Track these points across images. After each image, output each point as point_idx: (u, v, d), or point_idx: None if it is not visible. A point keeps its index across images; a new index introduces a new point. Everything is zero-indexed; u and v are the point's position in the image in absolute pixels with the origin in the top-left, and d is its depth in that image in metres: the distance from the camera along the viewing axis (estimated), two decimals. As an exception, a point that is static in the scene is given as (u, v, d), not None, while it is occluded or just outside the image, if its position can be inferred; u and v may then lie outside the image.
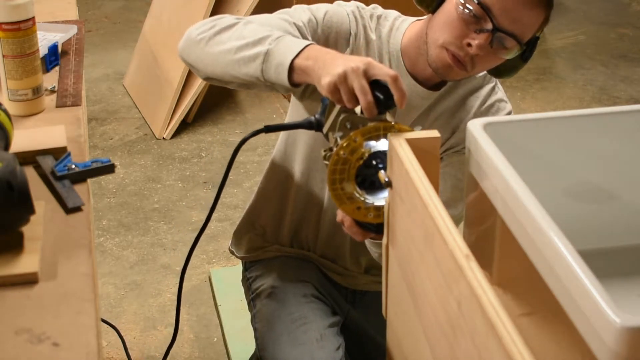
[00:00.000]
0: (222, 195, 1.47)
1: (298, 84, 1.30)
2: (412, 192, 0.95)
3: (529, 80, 4.10)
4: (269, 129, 1.34)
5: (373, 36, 1.52)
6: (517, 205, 0.90)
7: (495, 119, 1.44)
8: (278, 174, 1.68)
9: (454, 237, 0.83)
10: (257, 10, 3.51)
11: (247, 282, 1.75)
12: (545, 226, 0.84)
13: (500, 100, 1.57)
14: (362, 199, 1.21)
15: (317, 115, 1.30)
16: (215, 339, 2.42)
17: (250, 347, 1.69)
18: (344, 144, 1.17)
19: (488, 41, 1.39)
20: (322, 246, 1.69)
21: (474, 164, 1.04)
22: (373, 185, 1.20)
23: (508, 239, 0.94)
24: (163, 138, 3.51)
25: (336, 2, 1.55)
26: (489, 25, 1.38)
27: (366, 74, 1.19)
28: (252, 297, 1.70)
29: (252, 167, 3.25)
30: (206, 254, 2.75)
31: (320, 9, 1.50)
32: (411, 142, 1.03)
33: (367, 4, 1.58)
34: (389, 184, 1.07)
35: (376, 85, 1.19)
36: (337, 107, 1.24)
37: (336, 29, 1.49)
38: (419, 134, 1.06)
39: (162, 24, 3.77)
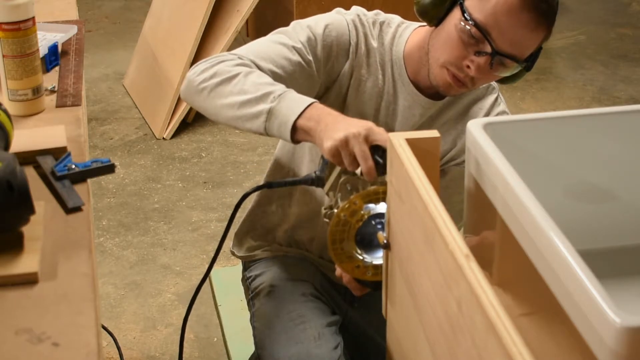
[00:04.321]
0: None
1: (301, 141, 1.32)
2: (412, 192, 0.95)
3: (529, 80, 4.09)
4: (271, 185, 1.43)
5: (375, 43, 1.52)
6: (517, 205, 0.90)
7: (495, 119, 1.44)
8: (283, 175, 1.68)
9: (454, 237, 0.83)
10: (257, 10, 3.51)
11: (246, 281, 1.75)
12: (545, 226, 0.84)
13: (503, 112, 1.58)
14: (361, 258, 1.25)
15: (317, 172, 1.36)
16: (215, 339, 2.42)
17: (250, 347, 1.69)
18: (345, 206, 1.21)
19: (487, 63, 1.39)
20: (320, 248, 1.69)
21: (474, 164, 1.04)
22: (371, 244, 1.25)
23: (508, 239, 0.94)
24: (163, 138, 3.51)
25: (336, 10, 1.54)
26: (488, 49, 1.38)
27: (367, 139, 1.23)
28: (251, 296, 1.71)
29: (252, 167, 3.25)
30: (206, 254, 2.75)
31: (319, 23, 1.50)
32: (411, 142, 1.03)
33: (367, 9, 1.56)
34: (387, 246, 1.09)
35: (376, 149, 1.23)
36: (338, 168, 1.28)
37: (336, 43, 1.49)
38: (419, 133, 1.06)
39: (162, 24, 3.77)
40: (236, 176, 3.18)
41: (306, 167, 1.62)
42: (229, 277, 2.30)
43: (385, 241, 1.10)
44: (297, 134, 1.30)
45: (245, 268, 1.77)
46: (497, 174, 0.95)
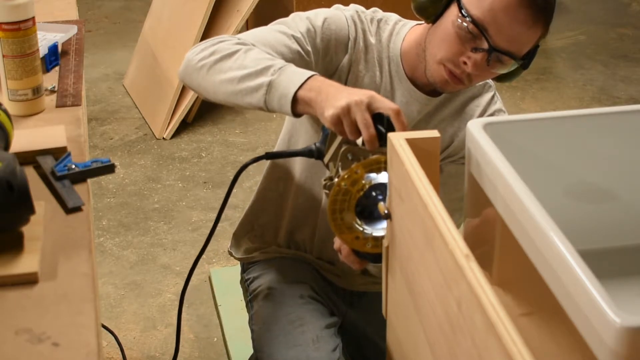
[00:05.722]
0: (222, 195, 1.48)
1: (301, 114, 1.31)
2: (412, 192, 0.95)
3: (529, 80, 4.10)
4: (269, 156, 1.41)
5: (373, 40, 1.52)
6: (517, 205, 0.90)
7: (495, 119, 1.44)
8: (278, 174, 1.68)
9: (454, 237, 0.83)
10: (257, 10, 3.51)
11: (245, 283, 1.75)
12: (545, 226, 0.84)
13: (500, 110, 1.58)
14: (361, 229, 1.24)
15: (317, 144, 1.34)
16: (215, 339, 2.42)
17: (251, 347, 1.69)
18: (345, 176, 1.20)
19: (484, 60, 1.39)
20: (319, 248, 1.69)
21: (474, 164, 1.04)
22: (372, 215, 1.23)
23: (508, 239, 0.94)
24: (163, 138, 3.51)
25: (335, 6, 1.54)
26: (485, 45, 1.38)
27: (369, 107, 1.21)
28: (250, 299, 1.70)
29: (252, 167, 3.24)
30: (206, 253, 2.73)
31: (318, 16, 1.50)
32: (411, 142, 1.03)
33: (367, 7, 1.57)
34: (388, 216, 1.08)
35: (378, 118, 1.21)
36: (339, 138, 1.26)
37: (335, 37, 1.49)
38: (419, 133, 1.06)
39: (162, 23, 3.77)
40: (236, 176, 3.18)
41: (299, 165, 1.63)
42: (228, 277, 2.30)
43: (386, 211, 1.09)
44: (297, 105, 1.29)
45: (244, 270, 1.77)
46: (497, 174, 0.95)
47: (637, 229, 1.15)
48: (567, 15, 4.87)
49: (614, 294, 0.75)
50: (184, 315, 2.49)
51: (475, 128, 1.04)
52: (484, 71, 1.42)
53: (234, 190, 3.44)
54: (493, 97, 1.58)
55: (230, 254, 1.79)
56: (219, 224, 1.51)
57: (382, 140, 1.21)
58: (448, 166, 1.56)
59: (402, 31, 1.53)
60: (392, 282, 1.12)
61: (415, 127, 1.54)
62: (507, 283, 1.06)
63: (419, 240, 0.94)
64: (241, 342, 2.04)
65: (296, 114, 1.30)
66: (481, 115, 1.56)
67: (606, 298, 0.74)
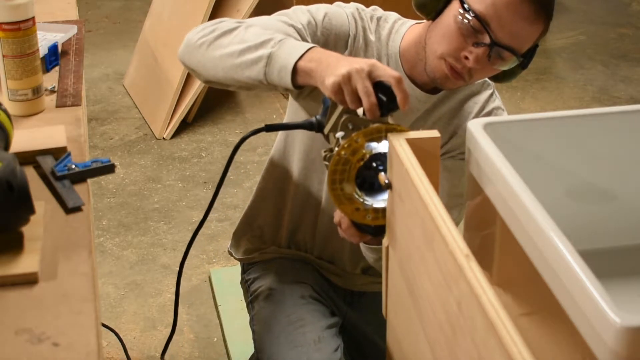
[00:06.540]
0: (222, 195, 1.48)
1: (301, 86, 1.30)
2: (412, 192, 0.95)
3: (529, 80, 4.10)
4: (269, 128, 1.35)
5: (372, 38, 1.53)
6: (517, 205, 0.90)
7: (495, 119, 1.44)
8: (276, 173, 1.68)
9: (454, 237, 0.83)
10: (257, 9, 3.51)
11: (245, 284, 1.75)
12: (545, 226, 0.84)
13: (498, 108, 1.58)
14: (362, 200, 1.21)
15: (318, 117, 1.31)
16: (215, 339, 2.42)
17: (251, 347, 1.69)
18: (346, 145, 1.18)
19: (486, 55, 1.39)
20: (319, 247, 1.69)
21: (474, 164, 1.04)
22: (372, 187, 1.21)
23: (508, 239, 0.94)
24: (163, 138, 3.51)
25: (336, 3, 1.55)
26: (487, 40, 1.38)
27: (370, 75, 1.19)
28: (251, 299, 1.70)
29: (252, 167, 3.25)
30: (206, 254, 2.75)
31: (319, 10, 1.50)
32: (411, 142, 1.03)
33: (367, 5, 1.57)
34: (389, 186, 1.07)
35: (379, 87, 1.20)
36: (340, 108, 1.24)
37: (335, 31, 1.49)
38: (419, 133, 1.06)
39: (162, 23, 3.77)
40: (236, 176, 3.18)
41: (298, 164, 1.63)
42: (228, 277, 2.31)
43: (386, 181, 1.07)
44: (297, 76, 1.28)
45: (244, 270, 1.77)
46: (497, 174, 0.95)
47: (637, 229, 1.15)
48: (567, 15, 4.87)
49: (614, 294, 0.75)
50: (184, 315, 2.49)
51: (475, 128, 1.04)
52: (484, 66, 1.42)
53: (235, 190, 3.44)
54: (492, 94, 1.58)
55: (230, 254, 1.79)
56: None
57: (383, 109, 1.19)
58: (446, 161, 1.56)
59: (401, 30, 1.53)
60: (392, 282, 1.13)
61: (414, 124, 1.54)
62: (507, 283, 1.06)
63: (419, 240, 0.94)
64: (241, 342, 2.04)
65: (296, 85, 1.29)
66: (479, 112, 1.56)
67: (606, 298, 0.74)
